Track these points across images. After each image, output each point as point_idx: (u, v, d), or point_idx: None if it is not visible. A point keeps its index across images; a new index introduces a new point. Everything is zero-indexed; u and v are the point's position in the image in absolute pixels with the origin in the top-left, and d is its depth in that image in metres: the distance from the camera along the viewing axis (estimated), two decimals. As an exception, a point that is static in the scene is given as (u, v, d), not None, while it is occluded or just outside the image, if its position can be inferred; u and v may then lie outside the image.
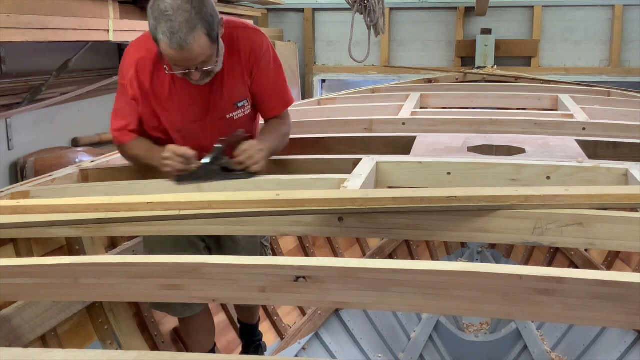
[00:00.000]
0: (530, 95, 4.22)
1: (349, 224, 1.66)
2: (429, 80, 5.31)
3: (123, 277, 1.37)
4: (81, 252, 2.51)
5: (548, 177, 2.11)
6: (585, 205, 1.58)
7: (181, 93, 2.20)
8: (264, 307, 3.23)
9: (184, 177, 2.10)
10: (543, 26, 7.48)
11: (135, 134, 2.27)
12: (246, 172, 2.12)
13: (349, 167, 2.20)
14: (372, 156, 2.28)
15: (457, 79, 5.39)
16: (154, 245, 2.40)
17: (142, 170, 2.33)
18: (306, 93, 8.05)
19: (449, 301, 1.25)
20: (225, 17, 2.15)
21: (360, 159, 2.25)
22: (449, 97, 4.29)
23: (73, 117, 5.20)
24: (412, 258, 4.43)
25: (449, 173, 2.17)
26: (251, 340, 2.87)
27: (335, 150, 2.71)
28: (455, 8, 7.64)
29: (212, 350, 2.68)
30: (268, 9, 7.97)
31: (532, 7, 7.46)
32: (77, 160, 4.42)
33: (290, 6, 7.97)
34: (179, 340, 2.85)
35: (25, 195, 2.16)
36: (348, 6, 4.26)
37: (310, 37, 8.03)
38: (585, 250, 3.99)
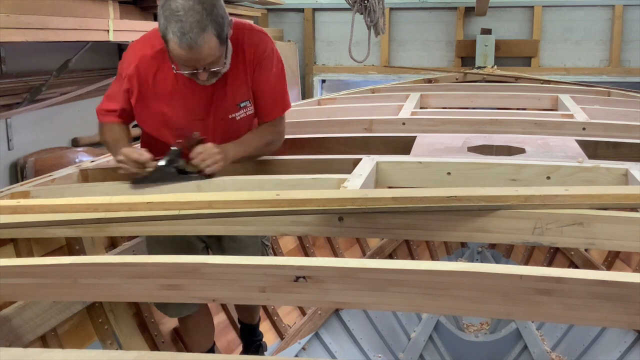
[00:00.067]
0: (530, 95, 4.22)
1: (349, 224, 1.66)
2: (429, 80, 5.30)
3: (123, 277, 1.37)
4: (81, 252, 2.51)
5: (548, 177, 2.11)
6: (585, 205, 1.58)
7: (184, 91, 2.20)
8: (264, 307, 3.23)
9: (139, 179, 2.10)
10: (543, 26, 7.48)
11: (119, 119, 2.28)
12: (201, 174, 2.12)
13: (349, 167, 2.20)
14: (372, 156, 2.28)
15: (457, 79, 5.39)
16: (153, 246, 2.40)
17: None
18: (306, 93, 8.05)
19: (449, 301, 1.25)
20: (233, 19, 2.15)
21: (360, 159, 2.25)
22: (449, 97, 4.28)
23: (73, 117, 5.20)
24: (412, 258, 4.43)
25: (449, 173, 2.17)
26: (251, 341, 2.87)
27: (335, 150, 2.71)
28: (455, 8, 7.64)
29: (212, 349, 2.68)
30: (268, 9, 7.97)
31: (532, 7, 7.46)
32: (77, 160, 4.43)
33: (290, 6, 7.97)
34: (179, 340, 2.85)
35: (25, 195, 2.16)
36: (348, 6, 4.26)
37: (310, 37, 8.03)
38: (585, 250, 3.99)
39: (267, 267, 1.31)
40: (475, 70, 5.84)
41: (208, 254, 2.43)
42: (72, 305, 2.35)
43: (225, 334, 3.11)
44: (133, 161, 2.07)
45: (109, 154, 2.86)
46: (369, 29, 4.32)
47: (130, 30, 4.58)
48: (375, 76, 7.79)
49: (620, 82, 6.73)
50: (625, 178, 2.04)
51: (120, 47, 5.23)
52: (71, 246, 2.50)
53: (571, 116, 3.23)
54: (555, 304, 1.19)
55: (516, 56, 7.53)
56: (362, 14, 4.22)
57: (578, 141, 2.60)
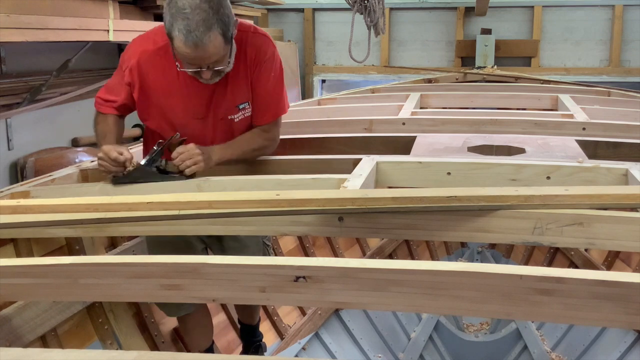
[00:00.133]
0: (530, 95, 4.22)
1: (349, 224, 1.66)
2: (429, 80, 5.31)
3: (123, 277, 1.37)
4: (81, 252, 2.51)
5: (548, 177, 2.11)
6: (585, 205, 1.58)
7: (184, 89, 2.20)
8: (264, 307, 3.23)
9: (120, 178, 2.11)
10: (543, 26, 7.48)
11: (116, 111, 2.28)
12: (181, 175, 2.13)
13: (349, 167, 2.20)
14: (372, 156, 2.28)
15: (457, 79, 5.39)
16: (153, 246, 2.40)
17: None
18: (306, 93, 8.05)
19: (449, 301, 1.25)
20: (238, 19, 2.16)
21: (360, 159, 2.25)
22: (449, 97, 4.29)
23: (73, 117, 5.19)
24: (412, 258, 4.43)
25: (449, 173, 2.17)
26: (251, 341, 2.87)
27: (335, 150, 2.71)
28: (455, 8, 7.64)
29: (210, 348, 2.68)
30: (268, 9, 7.97)
31: (532, 7, 7.46)
32: (77, 160, 4.43)
33: (290, 6, 7.96)
34: (179, 340, 2.85)
35: (25, 195, 2.16)
36: (348, 6, 4.26)
37: (310, 37, 8.03)
38: (585, 250, 3.99)
39: (267, 267, 1.31)
40: (475, 70, 5.84)
41: (208, 254, 2.43)
42: (72, 305, 2.35)
43: (225, 334, 3.11)
44: (112, 160, 2.07)
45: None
46: (369, 29, 4.32)
47: (130, 30, 4.58)
48: (375, 76, 7.79)
49: (620, 82, 6.73)
50: (625, 178, 2.04)
51: (120, 47, 5.23)
52: (71, 246, 2.50)
53: (571, 116, 3.23)
54: (555, 304, 1.19)
55: (516, 56, 7.52)
56: (362, 14, 4.22)
57: (578, 141, 2.60)
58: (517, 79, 5.35)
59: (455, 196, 1.59)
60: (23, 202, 1.81)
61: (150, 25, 4.22)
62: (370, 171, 2.09)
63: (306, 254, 3.77)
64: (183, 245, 2.30)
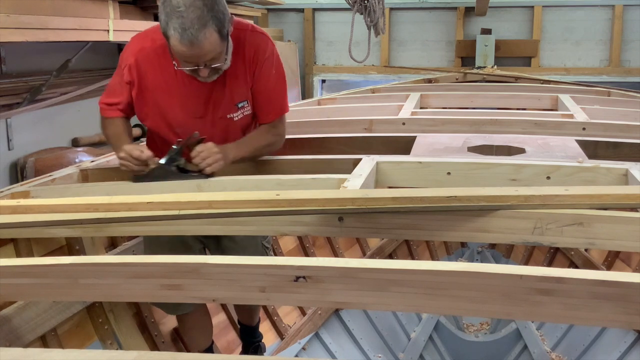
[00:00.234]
0: (530, 95, 4.22)
1: (349, 224, 1.66)
2: (429, 80, 5.30)
3: (123, 277, 1.37)
4: (81, 252, 2.51)
5: (548, 177, 2.11)
6: (585, 205, 1.58)
7: (183, 87, 2.20)
8: (264, 307, 3.23)
9: (141, 177, 2.12)
10: (543, 26, 7.48)
11: (122, 113, 2.28)
12: (201, 174, 2.13)
13: (349, 167, 2.20)
14: (372, 156, 2.28)
15: (457, 79, 5.39)
16: (151, 246, 2.40)
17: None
18: (306, 93, 8.05)
19: (449, 301, 1.25)
20: (234, 18, 2.16)
21: (360, 159, 2.25)
22: (449, 97, 4.29)
23: (73, 117, 5.19)
24: (412, 258, 4.43)
25: (449, 173, 2.17)
26: (251, 342, 2.88)
27: (335, 150, 2.71)
28: (455, 8, 7.64)
29: (210, 347, 2.68)
30: (268, 9, 7.97)
31: (532, 7, 7.46)
32: (77, 160, 4.42)
33: (290, 6, 7.96)
34: (179, 340, 2.85)
35: (25, 195, 2.16)
36: (348, 6, 4.26)
37: (310, 37, 8.03)
38: (585, 250, 3.99)
39: (267, 267, 1.31)
40: (475, 70, 5.84)
41: (206, 254, 2.43)
42: (72, 305, 2.35)
43: (225, 334, 3.11)
44: (134, 158, 2.08)
45: (110, 153, 2.88)
46: (369, 29, 4.32)
47: (130, 30, 4.57)
48: (375, 76, 7.79)
49: (620, 82, 6.73)
50: (625, 178, 2.04)
51: (120, 47, 5.22)
52: (71, 246, 2.50)
53: (571, 116, 3.23)
54: (555, 304, 1.19)
55: (516, 56, 7.52)
56: (362, 14, 4.22)
57: (578, 141, 2.60)
58: (517, 79, 5.35)
59: (455, 196, 1.59)
60: (23, 202, 1.81)
61: (150, 25, 4.22)
62: (370, 171, 2.09)
63: (306, 254, 3.77)
64: (180, 246, 2.30)
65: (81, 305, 2.42)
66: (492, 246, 4.85)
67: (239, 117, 2.29)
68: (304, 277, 1.28)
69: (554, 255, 4.26)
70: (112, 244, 2.72)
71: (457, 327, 4.19)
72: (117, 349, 2.50)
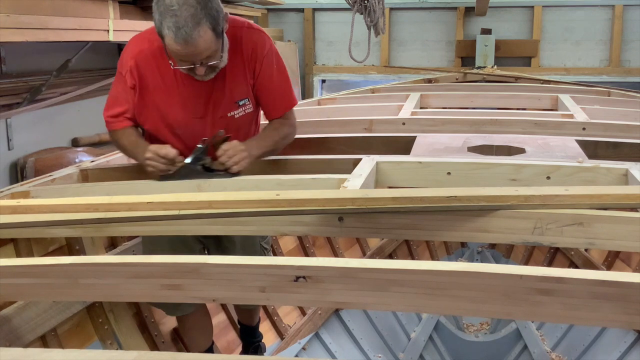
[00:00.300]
0: (530, 95, 4.22)
1: (349, 224, 1.66)
2: (429, 80, 5.31)
3: (123, 277, 1.37)
4: (81, 252, 2.51)
5: (548, 177, 2.11)
6: (585, 205, 1.58)
7: (183, 88, 2.20)
8: (264, 307, 3.23)
9: (166, 176, 2.12)
10: (543, 26, 7.48)
11: (131, 121, 2.27)
12: (227, 172, 2.12)
13: (349, 167, 2.20)
14: (372, 156, 2.28)
15: (457, 79, 5.39)
16: (150, 246, 2.39)
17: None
18: (306, 93, 8.05)
19: (449, 301, 1.25)
20: (229, 16, 2.16)
21: (360, 159, 2.25)
22: (449, 97, 4.29)
23: (73, 117, 5.20)
24: (412, 258, 4.43)
25: (449, 173, 2.17)
26: (251, 342, 2.87)
27: (335, 150, 2.71)
28: (455, 8, 7.64)
29: (210, 348, 2.68)
30: (268, 9, 7.97)
31: (532, 7, 7.46)
32: (77, 160, 4.42)
33: (290, 6, 7.96)
34: (179, 340, 2.85)
35: (25, 195, 2.16)
36: (348, 6, 4.26)
37: (310, 37, 8.03)
38: (585, 250, 3.99)
39: (267, 267, 1.31)
40: (475, 70, 5.84)
41: (207, 254, 2.43)
42: (72, 305, 2.35)
43: (225, 334, 3.11)
44: (162, 157, 2.08)
45: (110, 153, 2.88)
46: (369, 29, 4.32)
47: (130, 30, 4.57)
48: (375, 76, 7.79)
49: (620, 82, 6.73)
50: (625, 178, 2.04)
51: (120, 47, 5.22)
52: (71, 246, 2.50)
53: (571, 116, 3.23)
54: (555, 304, 1.19)
55: (516, 56, 7.53)
56: (362, 14, 4.22)
57: (578, 141, 2.60)
58: (517, 79, 5.35)
59: (455, 196, 1.59)
60: (23, 202, 1.81)
61: (150, 25, 4.22)
62: (370, 171, 2.09)
63: (306, 254, 3.76)
64: (180, 248, 2.30)
65: (81, 305, 2.42)
66: (492, 246, 4.85)
67: (240, 114, 2.29)
68: (304, 277, 1.28)
69: (554, 255, 4.26)
70: (112, 244, 2.72)
71: (457, 327, 4.19)
72: (117, 349, 2.50)
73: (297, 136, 2.76)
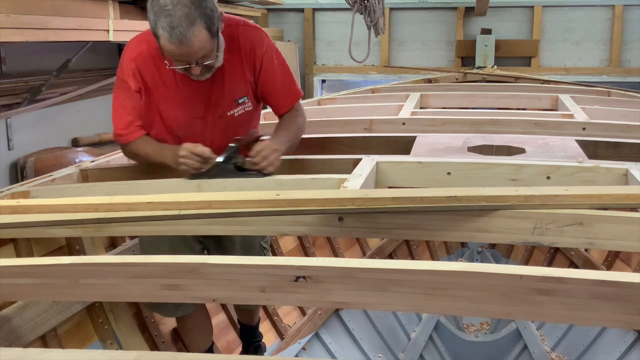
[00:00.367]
0: (530, 95, 4.22)
1: (349, 224, 1.66)
2: (429, 80, 5.31)
3: (123, 277, 1.37)
4: (81, 252, 2.51)
5: (548, 177, 2.11)
6: (585, 205, 1.58)
7: (182, 89, 2.20)
8: (264, 307, 3.23)
9: (198, 175, 2.12)
10: (543, 26, 7.48)
11: (144, 129, 2.25)
12: (260, 172, 2.11)
13: (349, 167, 2.20)
14: (372, 156, 2.28)
15: (457, 79, 5.39)
16: (148, 246, 2.38)
17: (149, 168, 2.31)
18: (306, 93, 8.05)
19: (449, 301, 1.25)
20: (225, 15, 2.15)
21: (360, 159, 2.25)
22: (449, 97, 4.29)
23: (73, 117, 5.20)
24: (412, 258, 4.43)
25: (449, 173, 2.17)
26: (251, 341, 2.87)
27: (335, 150, 2.71)
28: (455, 8, 7.64)
29: (210, 348, 2.68)
30: (268, 9, 7.97)
31: (532, 7, 7.46)
32: (77, 160, 4.42)
33: (290, 6, 7.96)
34: (179, 340, 2.85)
35: (25, 195, 2.16)
36: (348, 6, 4.26)
37: (310, 37, 8.03)
38: (585, 250, 3.99)
39: (267, 267, 1.31)
40: (475, 70, 5.84)
41: (207, 254, 2.43)
42: (72, 305, 2.35)
43: (225, 334, 3.11)
44: (197, 155, 2.08)
45: (110, 153, 2.87)
46: (369, 29, 4.32)
47: (130, 30, 4.58)
48: (375, 76, 7.79)
49: (620, 82, 6.73)
50: (625, 178, 2.04)
51: (120, 47, 5.22)
52: (71, 246, 2.50)
53: (571, 116, 3.23)
54: (555, 304, 1.19)
55: (516, 56, 7.53)
56: (362, 14, 4.22)
57: (578, 141, 2.60)
58: (517, 79, 5.35)
59: (455, 196, 1.59)
60: (23, 202, 1.81)
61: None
62: (370, 171, 2.09)
63: (306, 254, 3.76)
64: (180, 246, 2.29)
65: (81, 305, 2.42)
66: (492, 246, 4.85)
67: (240, 112, 2.29)
68: (304, 277, 1.28)
69: (554, 255, 4.26)
70: (112, 244, 2.72)
71: (457, 327, 4.19)
72: (117, 349, 2.50)
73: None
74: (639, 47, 7.29)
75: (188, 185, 2.09)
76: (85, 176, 2.50)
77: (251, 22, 2.32)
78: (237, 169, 2.13)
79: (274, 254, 3.42)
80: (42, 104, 4.63)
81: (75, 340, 2.42)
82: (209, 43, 2.01)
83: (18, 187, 2.27)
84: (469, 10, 7.55)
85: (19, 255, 2.27)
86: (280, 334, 3.34)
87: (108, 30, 4.47)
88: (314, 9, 7.97)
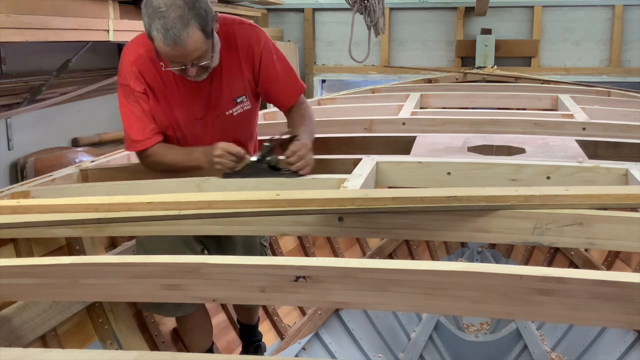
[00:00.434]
0: (530, 95, 4.23)
1: (349, 224, 1.66)
2: (429, 80, 5.31)
3: (123, 277, 1.37)
4: (81, 252, 2.51)
5: (548, 177, 2.11)
6: (585, 205, 1.58)
7: (181, 90, 2.20)
8: (264, 307, 3.23)
9: (231, 174, 2.12)
10: (543, 26, 7.48)
11: (159, 134, 2.23)
12: (294, 172, 2.10)
13: (349, 167, 2.20)
14: (372, 156, 2.28)
15: (457, 79, 5.39)
16: (148, 246, 2.37)
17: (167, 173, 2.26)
18: (306, 93, 8.04)
19: (449, 301, 1.25)
20: (219, 14, 2.15)
21: (360, 159, 2.25)
22: (449, 97, 4.29)
23: (73, 117, 5.20)
24: (412, 258, 4.43)
25: (449, 173, 2.17)
26: (250, 341, 2.87)
27: (335, 150, 2.71)
28: (455, 8, 7.64)
29: (210, 348, 2.68)
30: (268, 9, 7.97)
31: (532, 7, 7.46)
32: (77, 160, 4.42)
33: (290, 6, 7.96)
34: (179, 340, 2.85)
35: (25, 195, 2.16)
36: (348, 6, 4.26)
37: (310, 37, 8.03)
38: (585, 250, 3.99)
39: (267, 267, 1.31)
40: (475, 70, 5.84)
41: (207, 254, 2.43)
42: (72, 305, 2.35)
43: (225, 334, 3.11)
44: (233, 154, 2.09)
45: (110, 153, 2.87)
46: (369, 29, 4.32)
47: (130, 30, 4.58)
48: (375, 76, 7.80)
49: (620, 82, 6.73)
50: (625, 178, 2.04)
51: (120, 47, 5.22)
52: (71, 246, 2.50)
53: (571, 116, 3.23)
54: (555, 304, 1.19)
55: (516, 56, 7.53)
56: (362, 14, 4.22)
57: (578, 141, 2.60)
58: (517, 79, 5.36)
59: (455, 196, 1.59)
60: (23, 202, 1.81)
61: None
62: (370, 171, 2.09)
63: (306, 254, 3.77)
64: (180, 246, 2.29)
65: (81, 305, 2.42)
66: (492, 246, 4.85)
67: (238, 111, 2.28)
68: (304, 277, 1.29)
69: (554, 255, 4.26)
70: (112, 244, 2.72)
71: (457, 327, 4.19)
72: (117, 349, 2.50)
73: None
74: (639, 47, 7.29)
75: (188, 185, 2.09)
76: (85, 176, 2.50)
77: (246, 19, 2.31)
78: (271, 168, 2.13)
79: (274, 254, 3.42)
80: (42, 104, 4.63)
81: (75, 340, 2.42)
82: (204, 44, 2.01)
83: (18, 187, 2.27)
84: (469, 10, 7.55)
85: (19, 255, 2.27)
86: (280, 334, 3.34)
87: (108, 30, 4.47)
88: (314, 9, 7.97)
